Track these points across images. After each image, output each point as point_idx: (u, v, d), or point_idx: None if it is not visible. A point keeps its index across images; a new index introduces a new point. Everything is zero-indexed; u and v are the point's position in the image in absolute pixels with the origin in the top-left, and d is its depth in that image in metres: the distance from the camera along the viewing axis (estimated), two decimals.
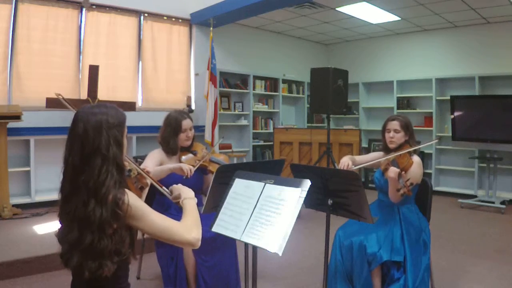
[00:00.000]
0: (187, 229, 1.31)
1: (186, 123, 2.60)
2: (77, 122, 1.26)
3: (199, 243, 1.32)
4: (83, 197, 1.20)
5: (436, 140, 2.52)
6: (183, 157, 2.62)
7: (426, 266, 2.34)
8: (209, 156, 2.70)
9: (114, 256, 1.22)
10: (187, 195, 1.48)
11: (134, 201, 1.26)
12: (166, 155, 2.60)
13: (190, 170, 2.37)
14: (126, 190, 1.26)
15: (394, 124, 2.52)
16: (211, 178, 2.72)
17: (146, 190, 1.66)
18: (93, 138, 1.23)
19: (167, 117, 2.64)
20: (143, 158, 2.69)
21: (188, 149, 2.68)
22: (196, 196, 2.65)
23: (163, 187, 1.57)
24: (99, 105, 1.33)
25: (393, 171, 2.21)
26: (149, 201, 2.16)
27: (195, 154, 2.66)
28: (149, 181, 1.62)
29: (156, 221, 1.28)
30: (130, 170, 1.57)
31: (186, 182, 2.42)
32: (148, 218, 1.27)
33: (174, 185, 1.54)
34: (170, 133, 2.58)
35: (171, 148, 2.58)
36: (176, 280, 2.31)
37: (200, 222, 1.39)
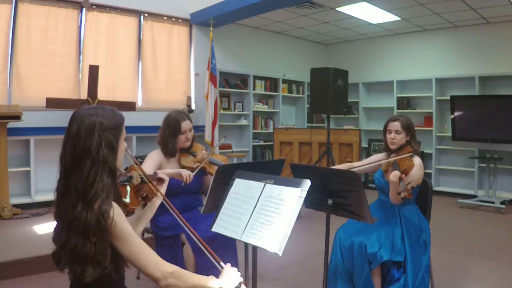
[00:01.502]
0: (163, 267, 1.24)
1: (186, 125, 2.56)
2: (72, 122, 1.25)
3: (162, 284, 1.24)
4: (72, 198, 1.19)
5: (410, 153, 2.47)
6: (182, 159, 2.61)
7: (426, 266, 2.34)
8: (209, 157, 2.69)
9: (96, 265, 1.19)
10: (221, 277, 1.38)
11: (119, 219, 1.22)
12: (165, 156, 2.57)
13: (189, 176, 2.36)
14: (114, 204, 1.23)
15: (395, 125, 2.50)
16: (210, 179, 2.72)
17: (154, 202, 1.59)
18: (84, 140, 1.21)
19: (167, 118, 2.60)
20: (142, 158, 2.68)
21: (187, 150, 2.66)
22: (195, 196, 2.66)
23: (221, 262, 1.45)
24: (97, 106, 1.31)
25: (394, 175, 2.19)
26: None
27: (194, 156, 2.64)
28: (159, 198, 1.58)
29: (135, 247, 1.23)
30: (131, 177, 1.53)
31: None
32: (128, 241, 1.22)
33: (228, 266, 1.43)
34: (169, 134, 2.54)
35: (170, 150, 2.55)
36: None
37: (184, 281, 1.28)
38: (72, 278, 1.20)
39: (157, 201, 1.61)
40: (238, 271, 1.43)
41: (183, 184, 2.37)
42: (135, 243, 1.24)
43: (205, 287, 1.32)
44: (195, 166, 2.57)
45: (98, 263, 1.19)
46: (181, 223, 1.49)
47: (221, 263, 1.45)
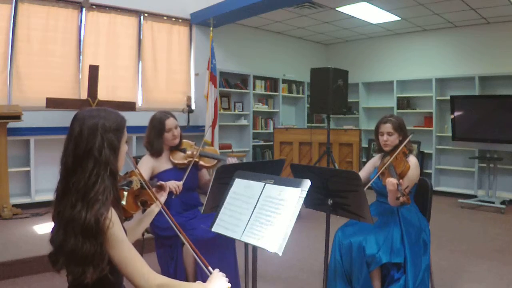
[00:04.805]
0: (151, 279, 1.22)
1: (170, 122, 2.57)
2: (74, 123, 1.25)
3: None
4: (72, 198, 1.19)
5: (411, 135, 2.47)
6: (173, 157, 2.61)
7: (426, 266, 2.34)
8: (199, 151, 2.69)
9: (96, 266, 1.18)
10: (208, 283, 1.36)
11: (114, 224, 1.21)
12: (154, 159, 2.56)
13: (178, 186, 2.34)
14: (111, 209, 1.22)
15: (387, 127, 2.49)
16: (205, 173, 2.74)
17: (153, 209, 1.62)
18: (87, 140, 1.21)
19: (151, 119, 2.61)
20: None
21: (177, 148, 2.67)
22: (192, 194, 2.66)
23: (209, 267, 1.43)
24: (99, 108, 1.31)
25: (391, 184, 2.16)
26: None
27: (184, 152, 2.66)
28: (158, 207, 1.58)
29: (125, 254, 1.22)
30: (131, 182, 1.52)
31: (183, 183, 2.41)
32: (119, 248, 1.21)
33: (216, 271, 1.41)
34: (155, 134, 2.55)
35: (156, 149, 2.55)
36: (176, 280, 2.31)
37: None
38: (71, 280, 1.19)
39: (156, 209, 1.64)
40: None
41: (173, 197, 2.35)
42: (125, 250, 1.22)
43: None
44: (186, 162, 2.58)
45: (97, 264, 1.18)
46: (176, 229, 1.50)
47: (209, 268, 1.44)
